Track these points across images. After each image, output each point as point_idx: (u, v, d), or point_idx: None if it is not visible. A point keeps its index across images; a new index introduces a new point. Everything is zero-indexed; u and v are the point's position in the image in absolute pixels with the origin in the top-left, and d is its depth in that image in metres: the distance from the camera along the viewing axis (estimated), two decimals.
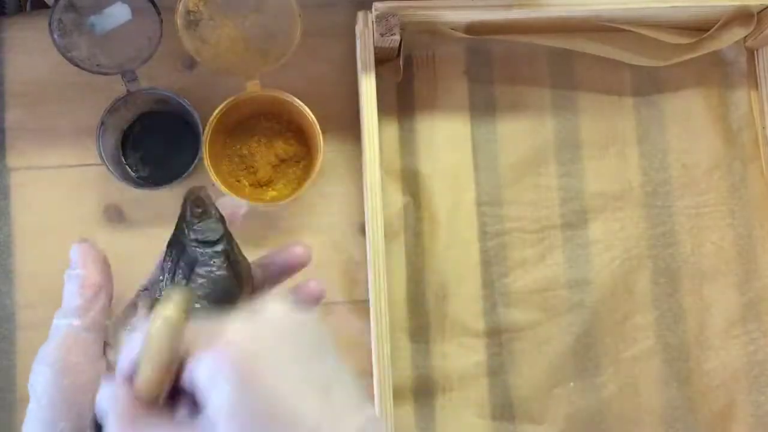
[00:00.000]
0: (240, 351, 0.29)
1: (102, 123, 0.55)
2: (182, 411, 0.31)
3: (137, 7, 0.54)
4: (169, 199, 0.60)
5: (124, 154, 0.60)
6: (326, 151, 0.57)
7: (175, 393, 0.31)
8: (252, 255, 0.60)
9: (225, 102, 0.55)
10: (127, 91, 0.55)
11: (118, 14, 0.54)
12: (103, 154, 0.55)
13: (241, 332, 0.30)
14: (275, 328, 0.32)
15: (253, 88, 0.55)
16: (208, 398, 0.29)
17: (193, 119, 0.57)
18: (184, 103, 0.56)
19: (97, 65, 0.54)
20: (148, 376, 0.31)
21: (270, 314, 0.32)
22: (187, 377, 0.30)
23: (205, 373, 0.29)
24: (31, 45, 0.60)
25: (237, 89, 0.55)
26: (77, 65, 0.53)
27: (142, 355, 0.30)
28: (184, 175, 0.56)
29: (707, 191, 0.64)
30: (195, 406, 0.30)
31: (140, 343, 0.30)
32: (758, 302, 0.63)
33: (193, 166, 0.56)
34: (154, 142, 0.61)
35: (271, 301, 0.33)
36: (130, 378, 0.31)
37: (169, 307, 0.31)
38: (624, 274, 0.62)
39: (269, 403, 0.29)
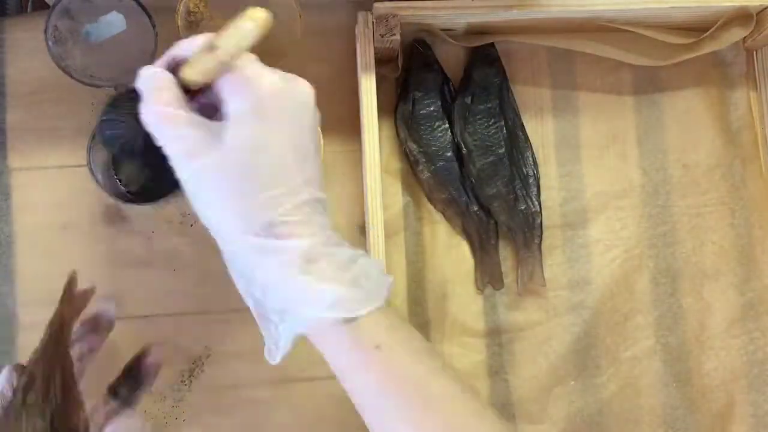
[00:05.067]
0: (267, 94, 0.38)
1: (93, 137, 0.55)
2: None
3: (132, 20, 0.54)
4: (168, 200, 0.60)
5: (115, 169, 0.60)
6: (326, 151, 0.57)
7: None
8: None
9: None
10: None
11: (114, 23, 0.53)
12: (94, 170, 0.55)
13: (271, 85, 0.38)
14: (293, 98, 0.40)
15: None
16: (230, 107, 0.38)
17: None
18: None
19: (91, 76, 0.54)
20: (201, 67, 0.37)
21: (300, 88, 0.40)
22: (222, 85, 0.38)
23: (236, 89, 0.38)
24: (32, 45, 0.60)
25: None
26: (71, 75, 0.53)
27: (214, 43, 0.36)
28: (175, 191, 0.55)
29: (707, 191, 0.64)
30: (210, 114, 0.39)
31: (200, 40, 0.38)
32: (758, 302, 0.63)
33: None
34: (145, 157, 0.60)
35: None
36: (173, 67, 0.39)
37: (260, 14, 0.35)
38: (624, 273, 0.62)
39: (267, 140, 0.38)
